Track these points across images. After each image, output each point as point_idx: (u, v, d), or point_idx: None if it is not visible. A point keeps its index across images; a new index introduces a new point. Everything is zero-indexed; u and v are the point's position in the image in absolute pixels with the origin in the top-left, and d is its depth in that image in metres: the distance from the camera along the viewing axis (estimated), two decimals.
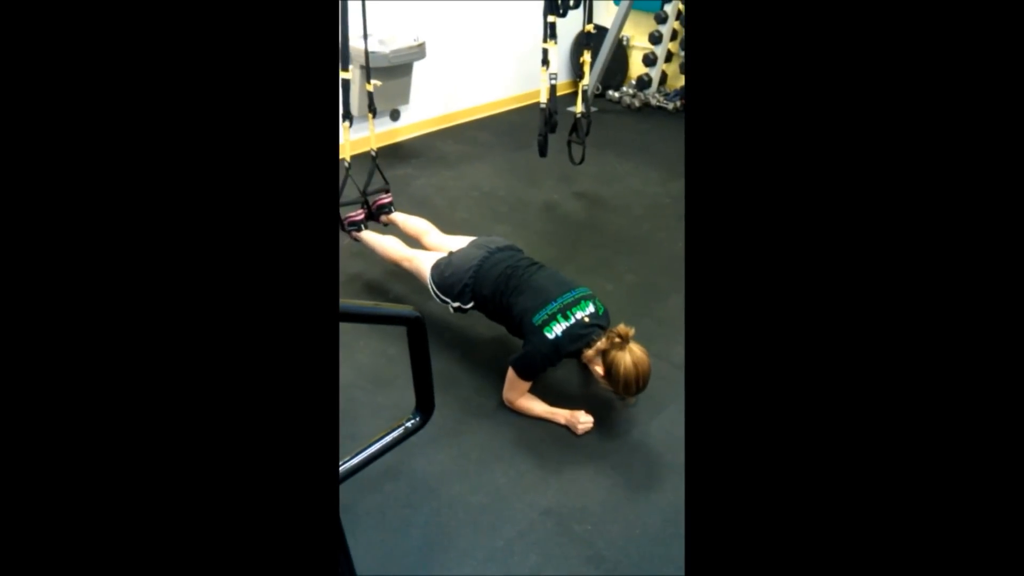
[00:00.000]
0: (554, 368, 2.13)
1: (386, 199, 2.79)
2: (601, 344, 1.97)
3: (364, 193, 2.73)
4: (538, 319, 1.99)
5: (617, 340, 1.94)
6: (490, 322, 2.22)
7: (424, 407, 1.09)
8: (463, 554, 1.69)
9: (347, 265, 2.85)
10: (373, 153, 2.76)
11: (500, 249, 2.23)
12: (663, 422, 2.12)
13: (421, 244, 2.56)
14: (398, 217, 2.76)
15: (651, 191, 3.64)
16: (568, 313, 2.00)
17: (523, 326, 2.03)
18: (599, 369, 1.98)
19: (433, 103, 4.37)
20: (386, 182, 2.80)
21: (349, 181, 2.65)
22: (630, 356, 1.91)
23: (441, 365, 2.32)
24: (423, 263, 2.34)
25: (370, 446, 1.04)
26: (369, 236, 2.64)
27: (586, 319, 2.01)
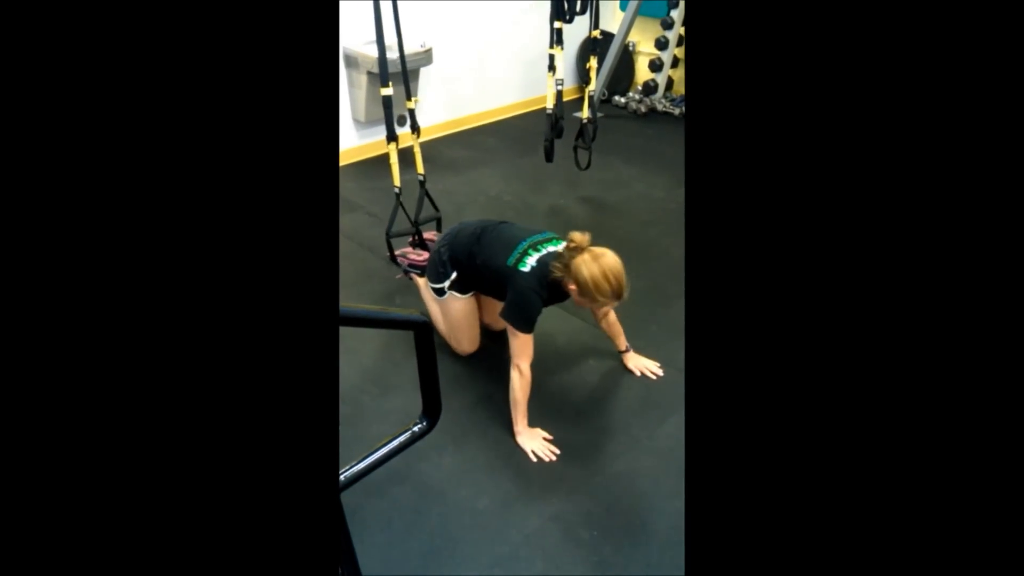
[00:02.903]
0: (557, 376, 2.12)
1: None
2: (563, 262, 1.90)
3: (416, 223, 2.62)
4: (511, 260, 1.98)
5: (572, 246, 1.87)
6: (497, 325, 2.21)
7: (431, 412, 1.10)
8: (469, 559, 1.69)
9: (357, 271, 2.85)
10: (421, 178, 2.62)
11: (476, 222, 2.20)
12: (669, 428, 2.12)
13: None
14: None
15: (657, 196, 3.64)
16: (539, 247, 1.98)
17: (501, 274, 2.00)
18: (573, 287, 1.90)
19: (440, 109, 4.38)
20: (436, 209, 2.69)
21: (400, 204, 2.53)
22: (590, 256, 1.84)
23: (448, 370, 2.32)
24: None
25: (377, 450, 1.04)
26: (423, 285, 2.48)
27: (559, 251, 1.95)
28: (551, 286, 1.96)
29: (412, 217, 2.61)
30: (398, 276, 2.65)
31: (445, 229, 2.25)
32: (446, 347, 2.40)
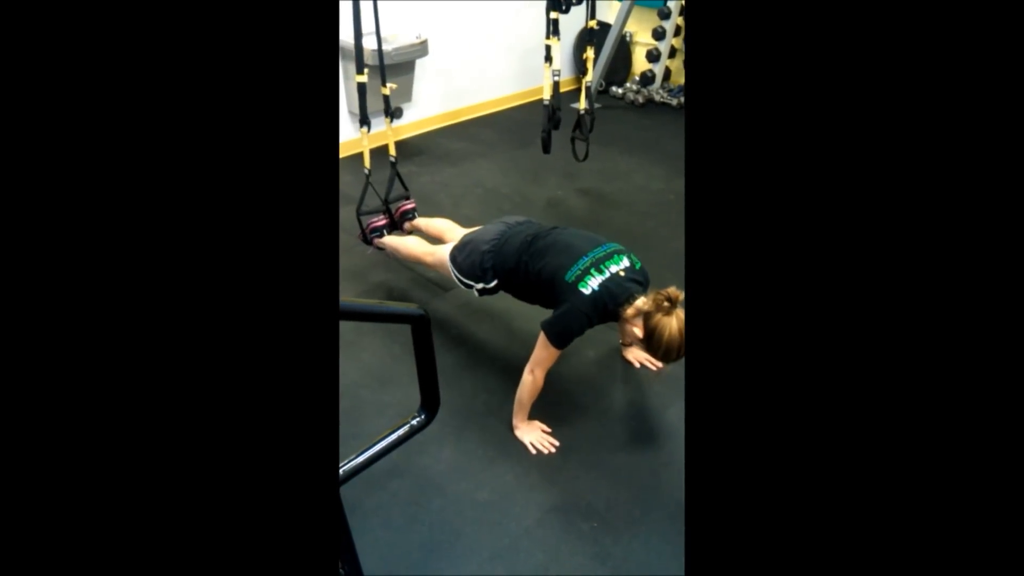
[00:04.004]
0: (556, 368, 2.12)
1: (409, 205, 2.76)
2: (644, 304, 1.82)
3: (386, 202, 2.70)
4: (571, 276, 1.86)
5: (665, 304, 1.77)
6: (494, 320, 2.21)
7: (429, 405, 1.10)
8: (469, 551, 1.69)
9: (357, 272, 2.85)
10: (392, 159, 2.70)
11: (519, 223, 2.16)
12: (668, 419, 2.12)
13: (444, 242, 2.49)
14: (421, 222, 2.72)
15: (655, 187, 3.63)
16: (602, 267, 1.87)
17: (555, 287, 1.89)
18: (638, 331, 1.83)
19: (436, 100, 4.36)
20: (406, 188, 2.75)
21: (370, 188, 2.62)
22: (676, 323, 1.75)
23: (446, 363, 2.32)
24: (444, 252, 2.27)
25: (375, 444, 1.04)
26: (391, 239, 2.63)
27: (622, 272, 1.88)
28: (604, 312, 1.88)
29: (383, 196, 2.72)
30: (369, 252, 2.73)
31: (485, 234, 2.20)
32: (444, 341, 2.40)
